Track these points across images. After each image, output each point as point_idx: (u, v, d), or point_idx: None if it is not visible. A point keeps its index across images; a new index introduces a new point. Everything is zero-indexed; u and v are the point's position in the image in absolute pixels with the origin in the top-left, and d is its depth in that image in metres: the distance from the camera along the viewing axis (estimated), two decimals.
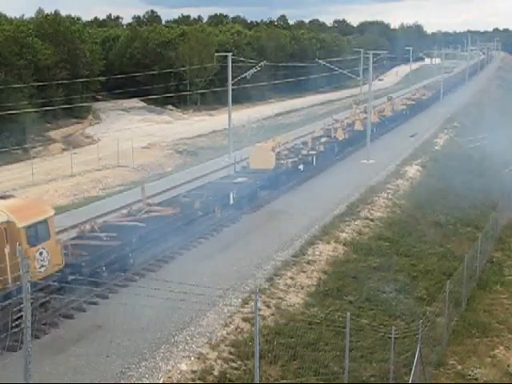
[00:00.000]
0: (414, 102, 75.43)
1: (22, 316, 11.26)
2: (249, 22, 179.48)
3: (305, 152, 40.82)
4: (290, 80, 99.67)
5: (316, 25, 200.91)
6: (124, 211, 27.04)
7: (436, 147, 53.35)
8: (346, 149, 48.04)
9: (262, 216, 30.37)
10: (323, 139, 46.21)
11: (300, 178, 37.58)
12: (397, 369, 16.89)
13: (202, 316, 18.59)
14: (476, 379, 18.24)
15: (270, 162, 35.42)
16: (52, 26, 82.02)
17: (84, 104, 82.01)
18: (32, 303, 11.58)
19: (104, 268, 20.81)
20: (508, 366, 19.07)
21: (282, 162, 36.57)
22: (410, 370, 16.04)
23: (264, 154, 35.73)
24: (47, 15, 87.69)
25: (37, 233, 17.90)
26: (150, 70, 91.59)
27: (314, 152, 41.15)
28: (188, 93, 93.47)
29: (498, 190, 38.38)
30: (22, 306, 11.23)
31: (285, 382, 16.10)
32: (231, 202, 29.95)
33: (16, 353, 15.61)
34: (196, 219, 27.10)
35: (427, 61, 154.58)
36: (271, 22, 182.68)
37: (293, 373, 16.56)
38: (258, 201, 32.66)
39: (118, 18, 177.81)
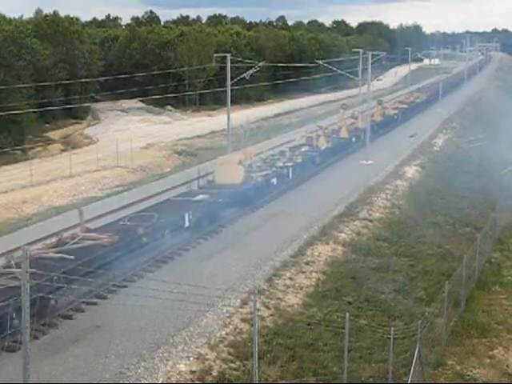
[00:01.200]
0: (406, 106, 71.65)
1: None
2: (248, 22, 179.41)
3: (280, 164, 37.02)
4: (289, 80, 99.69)
5: (315, 25, 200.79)
6: (54, 239, 22.63)
7: (435, 148, 53.38)
8: (328, 159, 43.64)
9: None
10: (303, 148, 42.49)
11: (273, 193, 33.85)
12: (396, 369, 16.90)
13: (200, 316, 18.59)
14: (475, 379, 18.25)
15: (236, 176, 31.67)
16: (51, 27, 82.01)
17: (83, 104, 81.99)
18: None
19: (14, 315, 16.04)
20: (507, 366, 19.09)
21: (253, 175, 33.01)
22: (409, 370, 16.05)
23: (230, 167, 32.01)
24: (46, 15, 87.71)
25: None
26: (149, 70, 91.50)
27: (290, 164, 37.36)
28: (187, 93, 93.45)
29: (497, 191, 38.41)
30: None
31: (284, 382, 16.10)
32: (186, 224, 25.83)
33: (15, 353, 15.63)
34: (139, 248, 22.95)
35: (426, 61, 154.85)
36: (270, 23, 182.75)
37: (292, 373, 16.56)
38: (222, 221, 28.76)
39: (116, 18, 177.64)
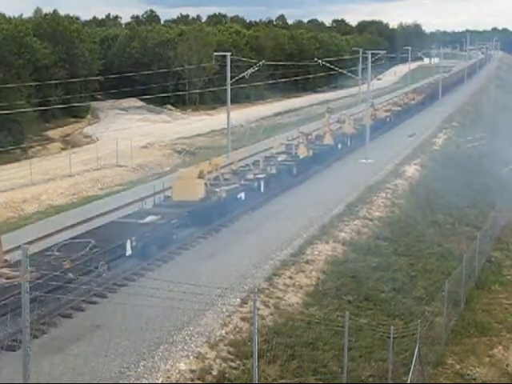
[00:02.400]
0: (400, 108, 67.34)
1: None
2: (247, 21, 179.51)
3: (251, 176, 33.18)
4: (289, 79, 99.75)
5: (315, 24, 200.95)
6: None
7: (435, 147, 53.36)
8: (309, 169, 39.38)
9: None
10: (281, 157, 38.67)
11: (240, 210, 29.75)
12: (395, 368, 16.89)
13: (200, 315, 18.58)
14: (474, 379, 18.25)
15: (196, 191, 27.80)
16: (51, 26, 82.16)
17: (82, 103, 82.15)
18: None
19: None
20: (507, 365, 19.08)
21: (217, 190, 29.03)
22: (409, 369, 16.04)
23: (189, 182, 28.22)
24: (46, 15, 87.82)
25: None
26: (149, 69, 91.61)
27: (262, 175, 33.53)
28: (187, 92, 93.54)
29: (497, 190, 38.41)
30: None
31: (283, 381, 16.10)
32: (128, 252, 21.98)
33: (15, 352, 15.62)
34: (60, 288, 17.85)
35: (426, 60, 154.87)
36: (270, 22, 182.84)
37: (291, 372, 16.56)
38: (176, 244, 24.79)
39: (116, 17, 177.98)
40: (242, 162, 38.23)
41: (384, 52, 62.76)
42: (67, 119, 79.94)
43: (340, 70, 59.36)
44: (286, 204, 32.21)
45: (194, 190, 27.90)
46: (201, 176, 28.71)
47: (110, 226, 24.18)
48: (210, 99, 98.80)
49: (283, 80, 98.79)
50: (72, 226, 27.27)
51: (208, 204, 27.73)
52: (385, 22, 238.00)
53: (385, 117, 59.19)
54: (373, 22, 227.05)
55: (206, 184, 28.85)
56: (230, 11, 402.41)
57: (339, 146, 45.92)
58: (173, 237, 24.81)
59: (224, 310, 19.04)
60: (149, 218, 24.86)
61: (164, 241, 24.06)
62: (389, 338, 16.57)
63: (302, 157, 39.09)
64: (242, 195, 30.45)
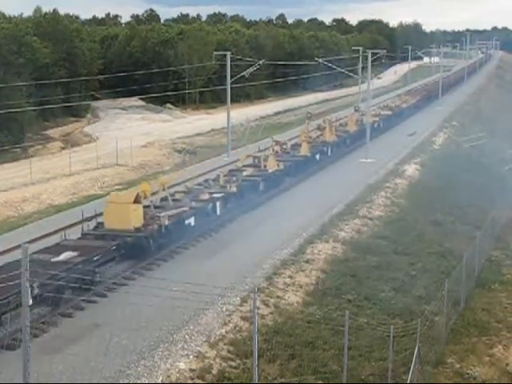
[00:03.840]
0: (390, 112, 61.98)
1: None
2: (248, 20, 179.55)
3: (205, 195, 28.12)
4: (289, 79, 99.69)
5: (315, 23, 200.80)
6: None
7: (434, 146, 53.36)
8: (278, 184, 34.47)
9: None
10: (246, 172, 33.61)
11: (187, 239, 25.09)
12: (395, 367, 16.90)
13: (200, 315, 18.59)
14: (474, 378, 18.24)
15: (130, 219, 22.94)
16: (51, 25, 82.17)
17: (83, 102, 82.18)
18: None
19: None
20: (506, 364, 19.07)
21: (160, 215, 24.22)
22: (409, 368, 16.04)
23: (122, 207, 23.13)
24: (46, 14, 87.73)
25: None
26: (149, 68, 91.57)
27: (220, 194, 28.57)
28: (187, 91, 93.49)
29: (496, 189, 38.39)
30: None
31: (283, 381, 16.10)
32: (29, 302, 16.59)
33: (15, 351, 15.63)
34: None
35: (426, 60, 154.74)
36: (270, 21, 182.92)
37: (291, 371, 16.57)
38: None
39: (116, 16, 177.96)
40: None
41: (384, 51, 62.54)
42: (67, 118, 79.88)
43: (340, 70, 59.32)
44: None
45: (128, 217, 23.04)
46: (137, 200, 23.74)
47: (12, 266, 16.70)
48: (209, 98, 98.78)
49: (283, 79, 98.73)
50: (72, 225, 27.01)
51: (144, 234, 23.03)
52: (385, 21, 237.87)
53: (372, 122, 52.61)
54: (373, 22, 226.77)
55: (146, 209, 24.45)
56: (230, 10, 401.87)
57: (317, 156, 41.05)
58: (95, 278, 20.20)
59: None
60: (63, 256, 19.96)
61: (83, 283, 18.17)
62: (389, 337, 16.58)
63: (271, 171, 34.05)
64: (192, 220, 25.52)
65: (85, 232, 23.58)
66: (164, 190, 27.23)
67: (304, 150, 39.92)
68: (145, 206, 24.59)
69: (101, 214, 25.06)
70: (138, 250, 22.82)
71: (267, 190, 32.87)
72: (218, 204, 27.59)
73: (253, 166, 35.45)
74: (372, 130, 50.18)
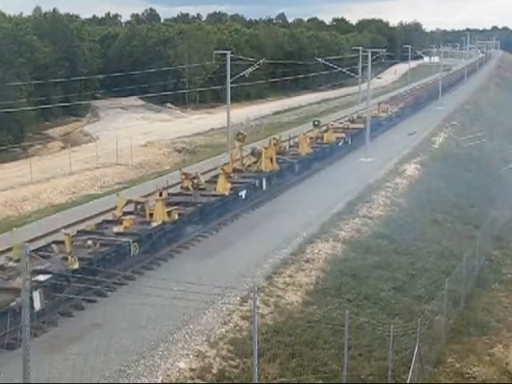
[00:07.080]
0: (361, 126, 47.96)
1: None
2: (248, 20, 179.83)
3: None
4: (289, 78, 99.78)
5: (315, 23, 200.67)
6: None
7: (434, 145, 53.27)
8: (162, 247, 23.77)
9: None
10: (117, 228, 23.12)
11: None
12: (395, 367, 16.90)
13: (200, 314, 18.59)
14: (474, 378, 18.25)
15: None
16: (50, 24, 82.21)
17: (82, 102, 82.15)
18: None
19: None
20: (506, 364, 19.08)
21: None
22: (409, 368, 16.05)
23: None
24: (46, 13, 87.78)
25: None
26: (149, 68, 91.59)
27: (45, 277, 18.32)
28: (187, 91, 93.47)
29: (497, 189, 38.38)
30: None
31: (283, 380, 16.10)
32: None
33: (14, 351, 15.62)
34: None
35: (426, 59, 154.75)
36: (270, 21, 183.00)
37: (291, 371, 16.56)
38: None
39: (116, 16, 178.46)
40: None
41: (384, 51, 62.41)
42: (67, 118, 79.95)
43: (340, 69, 59.32)
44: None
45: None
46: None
47: None
48: (209, 98, 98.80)
49: (283, 78, 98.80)
50: (71, 224, 27.06)
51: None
52: (385, 20, 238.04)
53: (336, 139, 43.68)
54: (373, 21, 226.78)
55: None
56: (229, 10, 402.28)
57: (242, 194, 29.68)
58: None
59: None
60: None
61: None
62: (389, 336, 16.58)
63: (154, 225, 23.64)
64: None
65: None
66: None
67: (221, 188, 28.47)
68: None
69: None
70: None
71: (145, 252, 22.85)
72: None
73: (136, 214, 24.67)
74: (330, 150, 42.17)
